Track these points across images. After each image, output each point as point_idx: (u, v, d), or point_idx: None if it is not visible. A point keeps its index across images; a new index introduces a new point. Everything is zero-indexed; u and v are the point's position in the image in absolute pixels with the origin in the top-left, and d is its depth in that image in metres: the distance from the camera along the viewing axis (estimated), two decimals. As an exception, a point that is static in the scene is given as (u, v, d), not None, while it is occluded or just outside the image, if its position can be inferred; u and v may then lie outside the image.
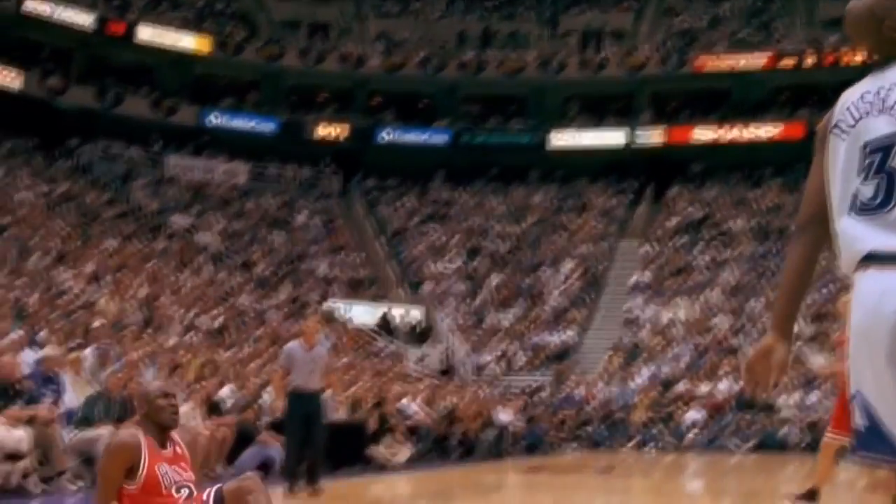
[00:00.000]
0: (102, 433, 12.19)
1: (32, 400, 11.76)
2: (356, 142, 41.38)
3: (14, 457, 10.70)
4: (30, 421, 11.53)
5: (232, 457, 14.79)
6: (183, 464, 5.59)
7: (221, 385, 16.54)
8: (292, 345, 12.25)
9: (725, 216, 38.14)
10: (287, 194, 39.50)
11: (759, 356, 2.95)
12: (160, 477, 5.40)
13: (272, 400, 16.65)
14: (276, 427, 15.51)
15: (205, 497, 5.38)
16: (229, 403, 15.67)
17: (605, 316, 34.39)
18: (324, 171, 41.10)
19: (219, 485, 5.51)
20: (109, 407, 12.69)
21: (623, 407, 28.42)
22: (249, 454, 14.95)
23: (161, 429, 5.55)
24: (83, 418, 12.54)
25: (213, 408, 15.06)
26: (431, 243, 38.84)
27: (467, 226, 39.50)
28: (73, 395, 13.23)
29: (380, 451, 17.73)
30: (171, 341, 18.74)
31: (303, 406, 11.79)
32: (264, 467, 15.07)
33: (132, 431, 5.63)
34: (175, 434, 5.68)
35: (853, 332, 2.72)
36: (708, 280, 34.69)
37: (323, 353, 12.22)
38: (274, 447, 15.09)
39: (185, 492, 5.46)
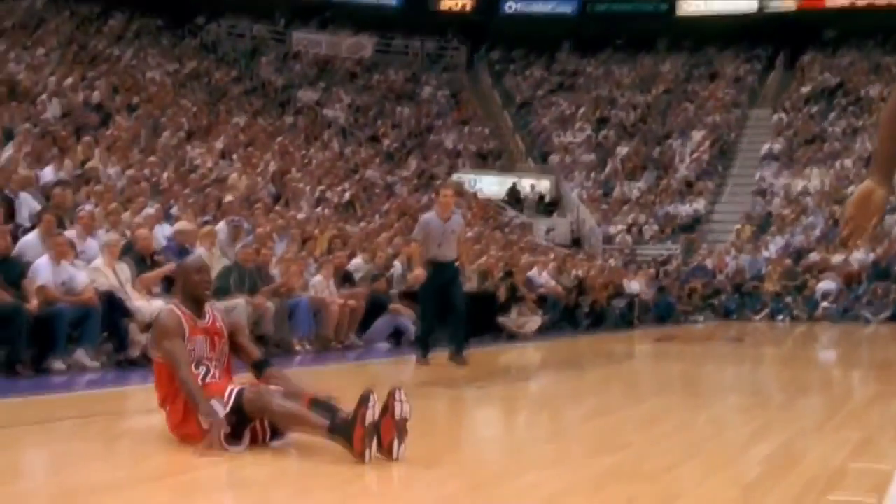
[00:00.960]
0: (238, 303, 12.31)
1: (171, 278, 11.88)
2: (481, 12, 40.62)
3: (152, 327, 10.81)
4: (169, 288, 11.68)
5: (364, 327, 14.87)
6: (217, 337, 5.90)
7: (352, 256, 16.57)
8: (428, 216, 12.08)
9: (860, 83, 36.49)
10: (413, 67, 39.13)
11: (858, 201, 3.07)
12: (189, 351, 5.70)
13: (406, 269, 16.69)
14: (408, 297, 15.54)
15: (226, 394, 5.50)
16: (360, 275, 15.69)
17: (736, 186, 33.52)
18: (449, 43, 40.55)
19: (242, 387, 5.57)
20: (242, 278, 12.80)
21: (754, 277, 27.80)
22: (381, 324, 15.02)
23: (197, 301, 5.89)
24: (217, 289, 12.62)
25: (344, 279, 15.11)
26: (559, 114, 38.21)
27: (595, 96, 38.70)
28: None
29: (510, 320, 17.66)
30: (301, 215, 18.79)
31: (439, 276, 11.68)
32: (395, 337, 15.14)
33: (169, 308, 5.94)
34: (213, 308, 6.04)
35: None
36: (842, 148, 33.40)
37: (458, 224, 12.03)
38: (405, 317, 15.13)
39: (203, 370, 5.73)
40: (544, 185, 34.91)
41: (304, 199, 20.92)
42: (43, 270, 10.18)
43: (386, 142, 33.27)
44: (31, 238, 11.18)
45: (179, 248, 12.85)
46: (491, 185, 33.55)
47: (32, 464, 5.48)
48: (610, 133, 36.65)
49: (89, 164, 16.13)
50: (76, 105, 19.73)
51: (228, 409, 5.45)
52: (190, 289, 5.91)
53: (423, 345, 11.98)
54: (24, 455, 5.64)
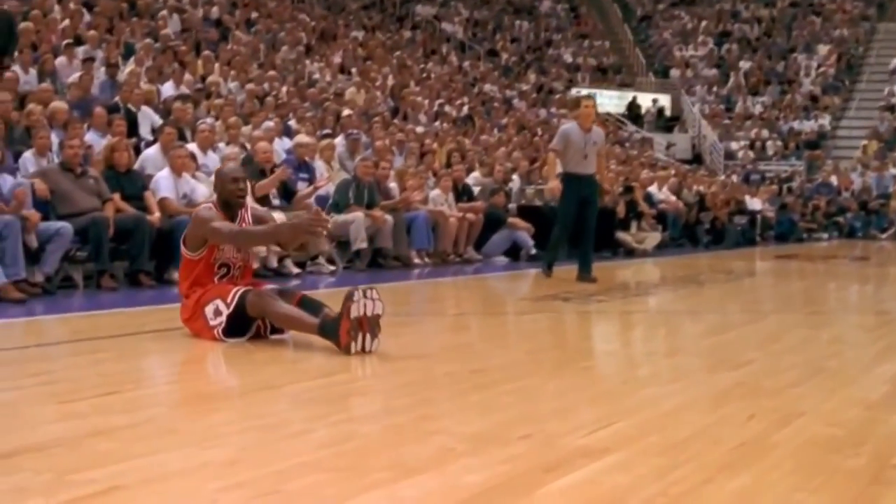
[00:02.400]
0: (356, 216, 12.31)
1: (287, 186, 11.92)
2: (603, -76, 39.63)
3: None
4: (289, 200, 11.73)
5: (481, 241, 14.78)
6: None
7: (470, 170, 16.44)
8: (568, 126, 11.54)
9: None
10: (531, -19, 38.47)
11: None
12: (215, 251, 6.22)
13: (524, 184, 16.51)
14: (525, 212, 15.39)
15: (230, 296, 6.01)
16: (478, 189, 15.56)
17: (863, 101, 32.35)
18: (568, -45, 39.66)
19: (246, 289, 6.07)
20: (360, 192, 12.77)
21: (881, 195, 26.88)
22: (498, 238, 14.90)
23: (230, 207, 6.31)
24: (335, 203, 12.68)
25: (462, 193, 15.00)
26: (680, 28, 37.25)
27: (717, 9, 37.59)
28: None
29: (629, 236, 17.39)
30: (419, 129, 18.68)
31: (578, 190, 11.22)
32: (512, 252, 15.03)
33: (207, 205, 6.46)
34: (248, 213, 6.42)
35: None
36: (977, 61, 31.93)
37: (600, 136, 11.50)
38: (523, 231, 14.99)
39: (223, 270, 6.29)
40: (664, 100, 34.18)
41: (422, 113, 20.79)
42: (164, 183, 10.27)
43: (504, 56, 32.84)
44: (152, 152, 11.29)
45: (299, 161, 12.88)
46: (610, 100, 32.95)
47: (153, 371, 5.55)
48: (732, 47, 35.62)
49: (209, 79, 16.22)
50: (195, 20, 19.83)
51: (231, 309, 5.95)
52: (225, 195, 6.32)
53: (551, 258, 11.75)
54: (146, 362, 5.71)
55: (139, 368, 5.51)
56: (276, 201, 11.62)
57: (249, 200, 7.35)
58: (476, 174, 16.40)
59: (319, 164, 13.40)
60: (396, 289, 10.39)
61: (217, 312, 6.03)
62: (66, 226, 9.04)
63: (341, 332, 5.55)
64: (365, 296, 5.60)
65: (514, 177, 16.86)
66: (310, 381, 4.96)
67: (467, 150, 17.97)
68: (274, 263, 11.23)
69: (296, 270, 11.41)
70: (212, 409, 4.25)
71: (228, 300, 6.00)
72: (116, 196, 9.90)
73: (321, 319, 5.75)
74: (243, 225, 6.32)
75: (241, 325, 6.02)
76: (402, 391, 4.75)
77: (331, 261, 12.34)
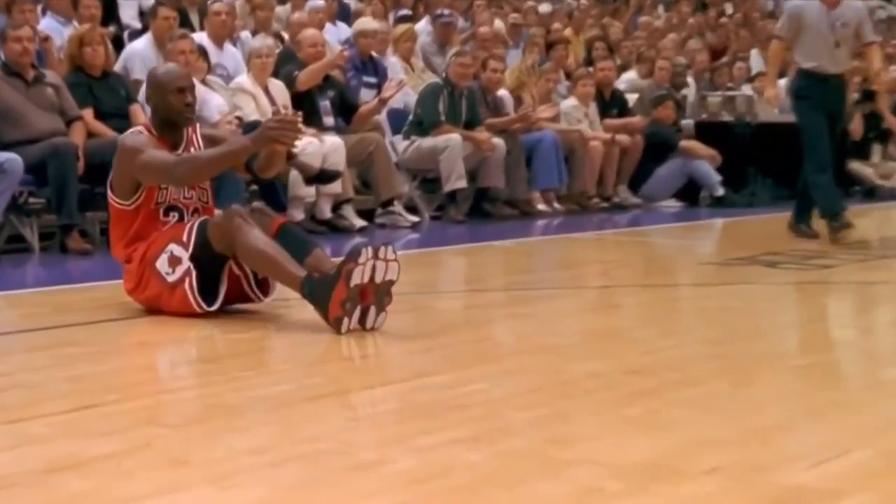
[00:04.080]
0: (449, 141, 12.28)
1: (344, 96, 11.93)
2: None
3: (322, 178, 10.89)
4: (348, 119, 11.75)
5: (640, 177, 14.66)
6: None
7: (623, 69, 16.31)
8: (802, 1, 10.85)
9: None
10: None
11: None
12: (156, 193, 6.40)
13: (702, 90, 16.31)
14: (707, 132, 15.20)
15: (185, 233, 6.23)
16: (634, 99, 15.44)
17: None
18: None
19: (203, 217, 6.37)
20: (455, 104, 12.72)
21: None
22: (666, 173, 14.76)
23: (172, 128, 6.52)
24: (417, 122, 12.67)
25: (610, 103, 14.88)
26: None
27: None
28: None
29: (868, 168, 17.17)
30: (543, 8, 18.51)
31: (823, 98, 10.82)
32: (688, 192, 14.87)
33: (136, 129, 6.75)
34: (197, 136, 6.64)
35: None
36: None
37: (855, 12, 10.85)
38: (703, 161, 14.80)
39: (172, 217, 6.46)
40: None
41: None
42: (160, 92, 10.35)
43: None
44: (140, 46, 11.39)
45: (362, 57, 12.88)
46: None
47: (147, 373, 5.62)
48: None
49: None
50: None
51: (191, 249, 6.14)
52: (164, 110, 6.51)
53: (805, 205, 11.12)
54: (135, 360, 5.79)
55: (126, 369, 5.56)
56: (328, 120, 11.65)
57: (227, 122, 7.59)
58: (631, 74, 16.28)
59: (393, 62, 13.41)
60: (511, 249, 10.36)
61: (174, 261, 6.21)
62: (11, 158, 9.12)
63: (332, 302, 5.69)
64: (376, 256, 5.71)
65: (689, 79, 16.70)
66: (381, 386, 4.95)
67: (618, 38, 17.84)
68: (326, 213, 11.29)
69: (360, 223, 11.45)
70: (234, 429, 4.27)
71: (185, 237, 6.19)
72: (88, 113, 10.03)
73: (307, 274, 5.88)
74: (191, 151, 6.55)
75: (213, 272, 6.22)
76: (522, 400, 4.72)
77: (413, 208, 12.36)
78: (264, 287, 6.40)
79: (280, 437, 4.10)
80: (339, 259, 5.96)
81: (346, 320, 5.71)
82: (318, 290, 5.78)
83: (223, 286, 6.25)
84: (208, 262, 6.16)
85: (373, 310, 5.80)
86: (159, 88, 6.52)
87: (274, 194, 10.44)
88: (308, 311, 5.96)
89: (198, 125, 6.79)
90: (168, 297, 6.23)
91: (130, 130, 6.89)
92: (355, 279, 5.65)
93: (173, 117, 6.49)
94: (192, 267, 6.13)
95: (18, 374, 5.24)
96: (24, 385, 4.96)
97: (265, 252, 6.01)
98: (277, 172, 6.84)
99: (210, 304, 6.20)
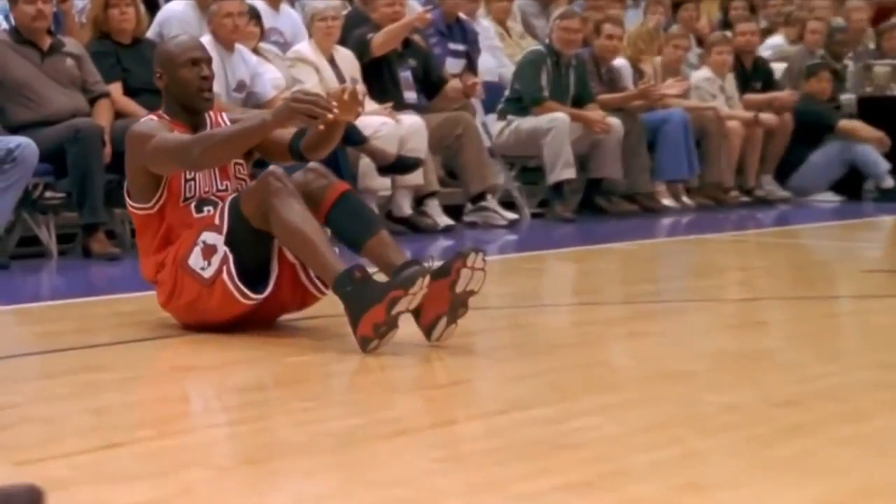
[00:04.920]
0: (554, 121, 12.25)
1: (428, 65, 11.94)
2: None
3: (400, 166, 10.89)
4: (430, 96, 11.74)
5: (789, 164, 14.57)
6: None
7: (767, 34, 16.25)
8: None
9: None
10: None
11: None
12: (182, 188, 6.41)
13: (866, 59, 16.20)
14: (872, 109, 15.07)
15: (217, 214, 6.29)
16: (781, 69, 15.35)
17: None
18: None
19: (235, 195, 6.34)
20: (560, 77, 12.73)
21: None
22: (821, 159, 14.67)
23: (191, 113, 6.56)
24: (515, 99, 12.67)
25: (752, 75, 14.82)
26: None
27: None
28: (491, 56, 13.30)
29: None
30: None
31: None
32: (849, 183, 14.75)
33: (149, 117, 6.76)
34: (223, 118, 6.73)
35: None
36: None
37: None
38: (868, 146, 14.67)
39: (209, 211, 6.41)
40: None
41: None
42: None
43: None
44: (178, 7, 11.45)
45: (446, 19, 12.87)
46: None
47: (186, 403, 5.63)
48: None
49: None
50: None
51: (225, 231, 6.15)
52: (176, 88, 6.57)
53: None
54: (172, 388, 5.80)
55: (161, 399, 5.58)
56: (410, 95, 11.67)
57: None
58: (777, 39, 16.20)
59: (486, 26, 13.42)
60: (631, 253, 10.36)
61: (208, 252, 6.21)
62: (23, 143, 9.16)
63: (364, 320, 5.73)
64: (462, 265, 5.84)
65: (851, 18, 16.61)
66: (472, 419, 4.95)
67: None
68: (406, 209, 11.28)
69: (445, 221, 11.44)
70: (293, 471, 4.28)
71: (217, 220, 6.23)
72: (116, 88, 10.11)
73: (347, 271, 5.82)
74: None
75: (258, 256, 6.19)
76: (645, 438, 4.69)
77: (509, 203, 12.35)
78: None
79: (350, 483, 4.10)
80: (407, 254, 6.07)
81: (375, 342, 5.76)
82: (353, 296, 5.77)
83: (274, 270, 6.21)
84: (249, 244, 6.13)
85: (443, 321, 5.88)
86: (169, 62, 6.54)
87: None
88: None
89: (221, 110, 6.84)
90: (207, 298, 6.21)
91: (142, 119, 6.91)
92: (399, 307, 5.66)
93: (188, 96, 6.51)
94: (228, 252, 6.12)
95: (33, 406, 5.26)
96: (41, 418, 4.98)
97: (299, 230, 5.98)
98: (327, 153, 6.74)
99: (258, 290, 6.16)
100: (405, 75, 11.59)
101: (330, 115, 6.00)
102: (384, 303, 5.63)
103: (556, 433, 4.83)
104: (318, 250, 5.93)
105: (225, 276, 6.11)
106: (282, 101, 6.38)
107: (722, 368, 6.06)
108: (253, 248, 6.14)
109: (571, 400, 5.25)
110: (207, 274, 6.16)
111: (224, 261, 6.11)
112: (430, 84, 11.87)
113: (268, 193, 5.99)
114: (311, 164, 6.31)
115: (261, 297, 6.15)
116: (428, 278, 5.68)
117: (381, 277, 5.95)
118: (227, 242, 6.12)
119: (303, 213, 5.98)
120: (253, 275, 6.15)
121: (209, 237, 6.17)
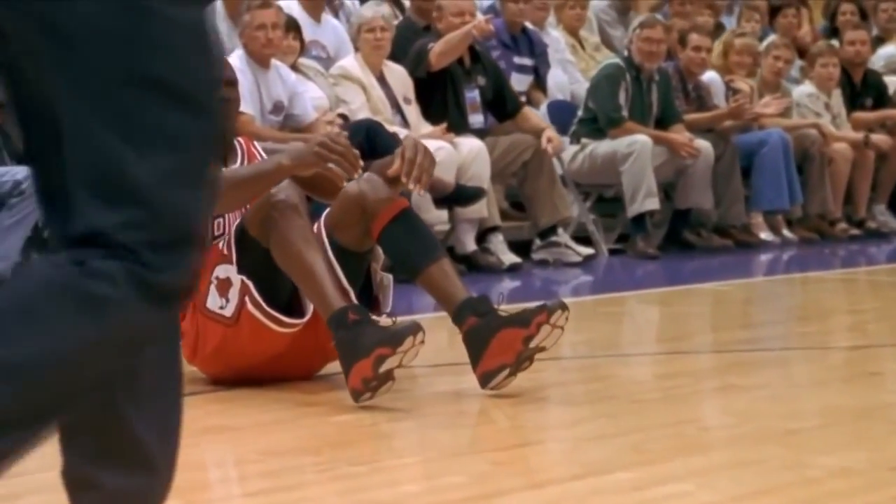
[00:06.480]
0: (635, 144, 12.24)
1: (500, 81, 11.96)
2: None
3: (459, 197, 10.90)
4: (501, 115, 11.76)
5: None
6: None
7: (879, 42, 16.21)
8: None
9: None
10: None
11: None
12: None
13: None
14: None
15: (224, 244, 6.30)
16: (894, 85, 15.33)
17: None
18: None
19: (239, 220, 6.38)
20: (641, 94, 12.73)
21: None
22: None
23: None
24: (590, 120, 12.69)
25: (862, 90, 14.81)
26: None
27: None
28: (562, 71, 13.36)
29: None
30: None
31: None
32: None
33: None
34: (257, 149, 6.85)
35: None
36: None
37: None
38: None
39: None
40: None
41: None
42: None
43: None
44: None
45: (510, 29, 12.94)
46: None
47: (230, 473, 5.65)
48: None
49: None
50: None
51: (235, 258, 6.17)
52: None
53: None
54: (215, 453, 5.80)
55: (189, 465, 5.57)
56: (476, 119, 11.68)
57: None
58: (891, 48, 16.19)
59: (556, 37, 13.45)
60: (724, 294, 10.34)
61: (223, 287, 6.20)
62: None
63: (354, 371, 5.74)
64: (549, 318, 5.87)
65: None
66: (544, 486, 4.93)
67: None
68: (469, 246, 11.27)
69: (511, 259, 11.43)
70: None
71: (225, 249, 6.24)
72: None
73: (342, 310, 5.79)
74: None
75: (277, 279, 6.14)
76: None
77: (585, 238, 12.35)
78: (372, 300, 6.39)
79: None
80: (465, 287, 6.07)
81: (367, 395, 5.79)
82: (344, 343, 5.76)
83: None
84: (268, 268, 6.08)
85: (505, 372, 5.93)
86: None
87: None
88: (442, 382, 5.96)
89: (253, 139, 6.88)
90: (234, 337, 6.18)
91: None
92: (386, 366, 5.66)
93: None
94: (245, 280, 6.09)
95: (46, 474, 5.27)
96: (55, 488, 4.98)
97: (298, 250, 5.96)
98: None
99: (294, 314, 6.16)
100: (471, 95, 11.57)
101: (354, 175, 6.04)
102: (370, 359, 5.64)
103: (640, 501, 4.81)
104: (316, 276, 5.90)
105: (250, 306, 6.08)
106: (304, 143, 6.36)
107: (831, 426, 6.02)
108: (272, 272, 6.07)
109: (657, 464, 5.23)
110: (229, 312, 6.14)
111: (244, 291, 6.09)
112: (502, 106, 11.84)
113: (269, 207, 6.00)
114: (367, 175, 6.26)
115: (298, 322, 6.12)
116: (422, 335, 5.65)
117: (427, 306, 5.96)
118: (242, 271, 6.10)
119: (304, 229, 5.99)
120: (286, 306, 6.16)
121: (220, 270, 6.15)
